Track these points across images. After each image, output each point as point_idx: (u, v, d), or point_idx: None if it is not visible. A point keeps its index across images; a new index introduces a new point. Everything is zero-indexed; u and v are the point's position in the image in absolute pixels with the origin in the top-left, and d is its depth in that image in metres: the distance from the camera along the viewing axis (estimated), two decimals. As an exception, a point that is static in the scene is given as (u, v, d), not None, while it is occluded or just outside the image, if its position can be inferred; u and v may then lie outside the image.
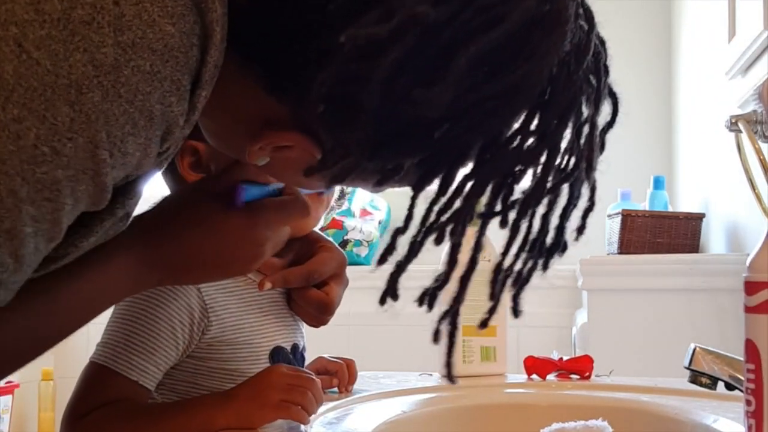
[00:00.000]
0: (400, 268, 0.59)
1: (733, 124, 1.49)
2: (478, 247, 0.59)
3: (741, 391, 0.77)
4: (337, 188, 1.01)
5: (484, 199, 0.59)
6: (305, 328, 1.02)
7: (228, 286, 0.94)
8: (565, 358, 1.20)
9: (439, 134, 0.57)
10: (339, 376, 1.08)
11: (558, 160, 0.60)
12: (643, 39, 3.09)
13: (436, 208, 0.59)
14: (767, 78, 1.51)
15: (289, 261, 0.95)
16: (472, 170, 0.58)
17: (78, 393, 0.87)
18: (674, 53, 3.06)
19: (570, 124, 0.59)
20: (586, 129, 0.61)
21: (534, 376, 1.19)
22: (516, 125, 0.58)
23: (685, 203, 2.84)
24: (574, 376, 1.18)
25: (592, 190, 0.63)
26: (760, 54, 1.84)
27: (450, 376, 0.61)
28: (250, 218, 0.72)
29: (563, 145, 0.60)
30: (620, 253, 2.34)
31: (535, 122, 0.58)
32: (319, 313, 0.97)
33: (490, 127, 0.57)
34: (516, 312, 0.62)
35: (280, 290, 0.98)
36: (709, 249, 2.45)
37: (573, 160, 0.61)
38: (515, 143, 0.58)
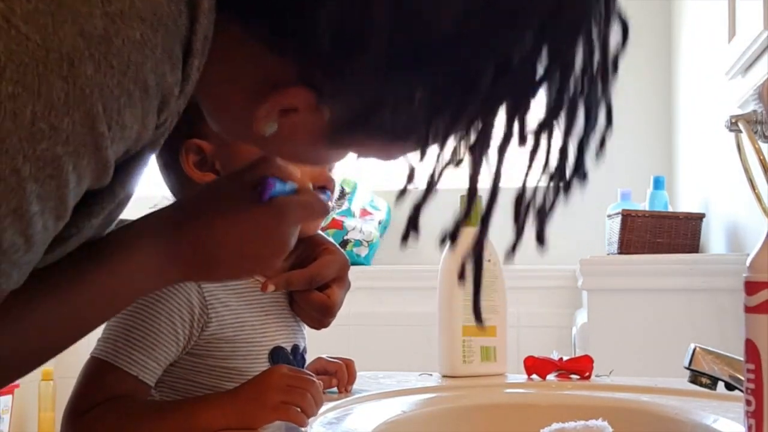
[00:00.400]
0: (423, 199, 0.59)
1: (733, 124, 1.49)
2: (497, 177, 0.58)
3: (741, 391, 0.77)
4: (337, 188, 1.01)
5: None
6: (306, 328, 1.02)
7: (229, 284, 0.94)
8: (565, 358, 1.20)
9: (451, 56, 0.56)
10: (338, 377, 1.08)
11: (572, 85, 0.59)
12: (643, 39, 3.09)
13: (452, 136, 0.58)
14: (767, 78, 1.51)
15: (291, 263, 0.95)
16: (486, 95, 0.58)
17: (78, 389, 0.87)
18: (674, 53, 3.06)
19: (581, 42, 0.58)
20: (597, 54, 0.60)
21: (534, 376, 1.19)
22: (527, 46, 0.57)
23: (685, 203, 2.85)
24: (574, 376, 1.18)
25: (608, 111, 0.61)
26: (760, 54, 1.84)
27: (479, 318, 0.60)
28: (279, 215, 0.71)
29: (576, 67, 0.59)
30: (620, 253, 2.34)
31: (546, 43, 0.57)
32: (321, 316, 0.97)
33: (500, 45, 0.57)
34: (541, 240, 0.60)
35: (283, 291, 0.98)
36: (709, 249, 2.45)
37: (586, 80, 0.59)
38: (527, 64, 0.57)
